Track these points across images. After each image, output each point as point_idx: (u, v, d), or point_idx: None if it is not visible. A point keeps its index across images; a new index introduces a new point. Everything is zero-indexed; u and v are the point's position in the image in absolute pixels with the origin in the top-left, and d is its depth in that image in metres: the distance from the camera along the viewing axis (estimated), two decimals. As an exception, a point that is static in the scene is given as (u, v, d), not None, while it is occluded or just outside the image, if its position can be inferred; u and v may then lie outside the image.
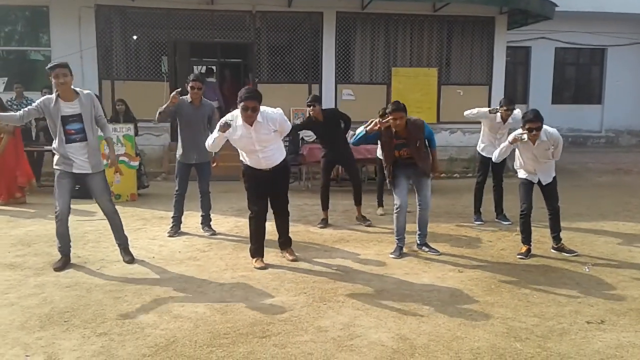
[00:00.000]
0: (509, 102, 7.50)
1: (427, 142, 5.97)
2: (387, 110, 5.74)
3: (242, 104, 5.00)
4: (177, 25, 12.14)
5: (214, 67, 16.61)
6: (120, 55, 12.12)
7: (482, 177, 7.65)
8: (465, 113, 7.58)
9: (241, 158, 5.47)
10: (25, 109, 5.25)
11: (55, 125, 5.19)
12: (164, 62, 12.55)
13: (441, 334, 3.92)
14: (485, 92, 12.95)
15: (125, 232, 5.73)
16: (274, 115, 5.20)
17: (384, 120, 5.69)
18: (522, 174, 6.08)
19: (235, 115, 5.18)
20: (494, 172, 7.63)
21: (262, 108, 5.11)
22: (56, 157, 5.33)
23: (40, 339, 3.76)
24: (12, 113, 5.28)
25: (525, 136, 5.66)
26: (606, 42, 17.26)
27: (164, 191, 9.43)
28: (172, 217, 6.76)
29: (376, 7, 12.13)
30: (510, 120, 7.43)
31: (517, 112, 7.47)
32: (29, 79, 11.43)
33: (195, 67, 17.47)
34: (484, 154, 7.59)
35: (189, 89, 6.55)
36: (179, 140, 6.67)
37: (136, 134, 9.37)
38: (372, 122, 5.76)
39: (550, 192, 6.01)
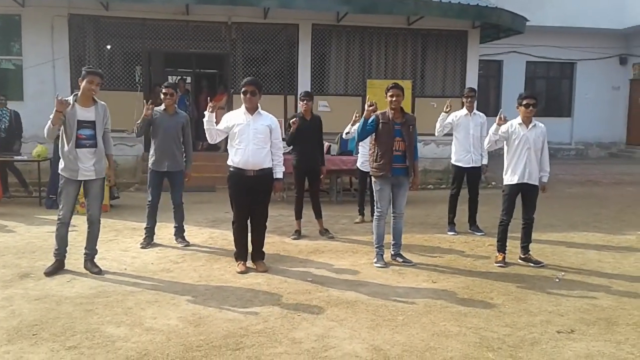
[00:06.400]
0: (470, 89, 7.91)
1: None
2: (388, 87, 5.94)
3: (242, 89, 5.59)
4: (151, 36, 12.07)
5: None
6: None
7: (457, 188, 7.72)
8: (437, 131, 7.81)
9: (229, 162, 5.66)
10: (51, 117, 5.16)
11: (71, 128, 5.24)
12: (138, 71, 12.45)
13: (415, 345, 3.94)
14: (458, 104, 13.07)
15: (98, 244, 5.66)
16: (272, 116, 5.85)
17: (368, 103, 5.88)
18: (509, 178, 6.09)
19: (236, 112, 5.77)
20: (470, 184, 7.71)
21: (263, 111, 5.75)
22: (62, 163, 5.36)
23: (8, 353, 3.68)
24: (49, 126, 5.17)
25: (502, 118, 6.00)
26: (576, 56, 17.69)
27: (137, 202, 9.32)
28: (145, 227, 6.69)
29: (351, 20, 12.24)
30: (479, 117, 7.71)
31: (483, 114, 7.88)
32: (1, 87, 11.20)
33: (170, 77, 17.38)
34: (458, 164, 7.68)
35: (162, 96, 6.58)
36: (152, 147, 6.66)
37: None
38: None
39: (530, 201, 6.09)
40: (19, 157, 9.53)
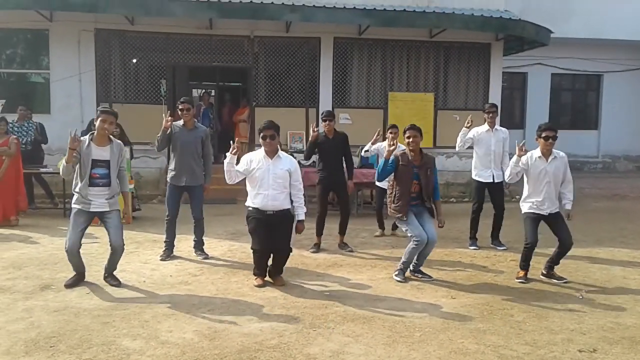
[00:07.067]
0: (491, 105, 7.77)
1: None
2: (405, 129, 5.92)
3: (261, 134, 5.60)
4: (176, 49, 12.23)
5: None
6: (119, 79, 12.18)
7: (478, 203, 7.60)
8: (457, 146, 7.70)
9: (248, 203, 5.71)
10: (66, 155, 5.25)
11: (86, 167, 5.29)
12: (163, 85, 12.61)
13: (431, 362, 3.87)
14: (481, 117, 12.95)
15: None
16: (291, 158, 5.87)
17: (389, 143, 5.87)
18: (528, 206, 6.00)
19: (256, 154, 5.73)
20: (494, 200, 7.59)
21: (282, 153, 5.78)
22: (75, 197, 5.40)
23: (25, 365, 3.72)
24: (64, 165, 5.29)
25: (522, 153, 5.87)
26: (602, 68, 17.39)
27: (159, 214, 9.38)
28: (165, 241, 6.74)
29: (373, 33, 12.23)
30: (501, 133, 7.61)
31: (505, 130, 7.74)
32: (29, 101, 11.45)
33: (194, 90, 17.59)
34: (479, 179, 7.59)
35: (179, 112, 6.64)
36: (171, 162, 6.72)
37: (131, 157, 9.39)
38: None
39: (559, 227, 5.89)
40: (44, 170, 9.71)
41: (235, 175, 5.64)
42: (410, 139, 5.82)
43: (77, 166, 5.32)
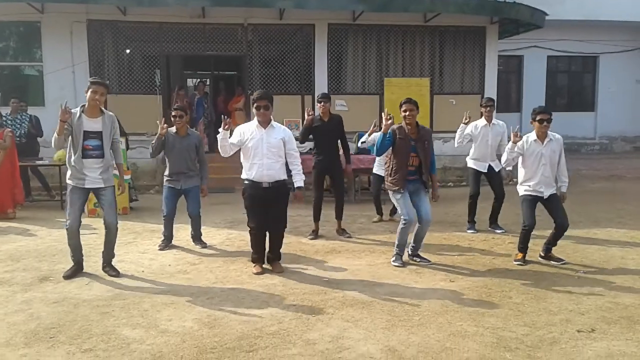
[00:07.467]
0: (487, 99, 7.73)
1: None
2: (401, 102, 5.88)
3: (255, 104, 5.55)
4: (169, 39, 12.14)
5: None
6: (112, 69, 12.11)
7: (474, 189, 7.60)
8: (457, 143, 7.72)
9: (243, 176, 5.67)
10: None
11: (78, 139, 5.26)
12: (158, 75, 12.54)
13: (430, 345, 3.88)
14: (478, 101, 12.83)
15: (116, 247, 5.71)
16: (285, 128, 5.88)
17: (386, 117, 5.78)
18: (524, 189, 6.02)
19: (248, 125, 5.70)
20: (493, 187, 7.58)
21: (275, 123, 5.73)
22: (69, 172, 5.39)
23: (25, 356, 3.72)
24: (56, 137, 5.23)
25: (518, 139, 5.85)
26: (598, 49, 17.37)
27: (156, 204, 9.34)
28: (163, 234, 6.75)
29: (367, 19, 12.16)
30: (498, 127, 7.54)
31: (503, 123, 7.62)
32: (23, 94, 11.38)
33: (188, 79, 17.53)
34: (475, 167, 7.59)
35: (172, 119, 6.63)
36: (167, 168, 6.73)
37: (127, 148, 9.36)
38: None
39: (557, 207, 5.90)
40: (40, 162, 9.68)
41: (229, 148, 5.60)
42: (407, 113, 5.78)
43: (70, 139, 5.28)
